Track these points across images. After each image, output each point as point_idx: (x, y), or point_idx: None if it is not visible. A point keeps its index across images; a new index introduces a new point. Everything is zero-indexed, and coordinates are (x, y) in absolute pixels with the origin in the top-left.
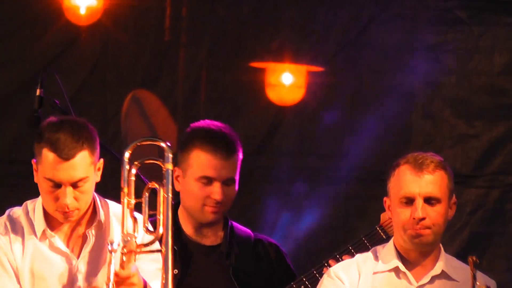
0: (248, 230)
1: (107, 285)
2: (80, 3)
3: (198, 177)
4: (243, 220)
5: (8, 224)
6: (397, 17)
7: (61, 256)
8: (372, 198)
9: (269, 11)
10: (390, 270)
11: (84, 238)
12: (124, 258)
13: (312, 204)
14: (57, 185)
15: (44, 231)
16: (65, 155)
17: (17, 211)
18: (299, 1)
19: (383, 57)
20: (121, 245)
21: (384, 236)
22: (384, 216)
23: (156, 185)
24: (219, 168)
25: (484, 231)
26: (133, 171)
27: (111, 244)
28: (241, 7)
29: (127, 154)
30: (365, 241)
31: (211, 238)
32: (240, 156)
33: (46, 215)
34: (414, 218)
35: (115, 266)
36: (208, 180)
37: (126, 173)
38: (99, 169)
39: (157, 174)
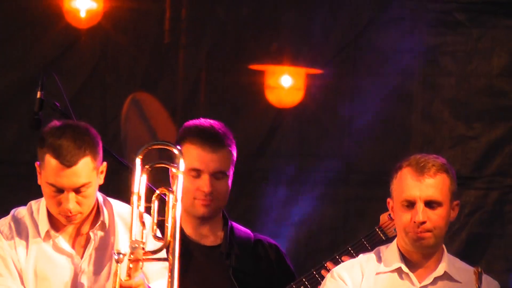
0: (248, 231)
1: None
2: (80, 6)
3: (187, 170)
4: (242, 221)
5: (12, 224)
6: (396, 19)
7: (65, 256)
8: (372, 199)
9: (269, 13)
10: (392, 271)
11: (88, 239)
12: (131, 265)
13: (311, 205)
14: (60, 190)
15: (48, 232)
16: (67, 162)
17: (21, 211)
18: (299, 3)
19: (382, 59)
20: (128, 252)
21: (383, 237)
22: (383, 217)
23: (166, 191)
24: (206, 160)
25: (483, 233)
26: (144, 176)
27: (118, 254)
28: (240, 9)
29: (138, 159)
30: (365, 242)
31: (211, 239)
32: (233, 152)
33: (50, 215)
34: (415, 222)
35: (121, 274)
36: (197, 173)
37: (137, 177)
38: (102, 172)
39: (157, 177)
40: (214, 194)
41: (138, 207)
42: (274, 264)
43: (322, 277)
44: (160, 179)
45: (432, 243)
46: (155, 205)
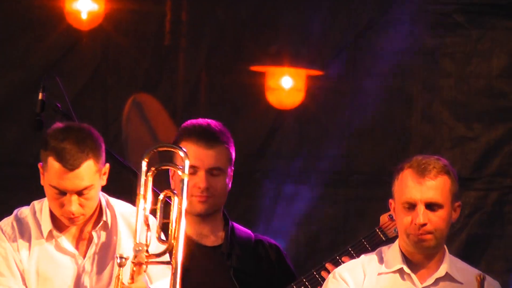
0: (249, 231)
1: None
2: (82, 8)
3: None
4: (242, 221)
5: (15, 224)
6: (396, 21)
7: (68, 256)
8: (372, 199)
9: (268, 15)
10: (394, 272)
11: (90, 239)
12: (134, 268)
13: (312, 206)
14: (63, 193)
15: (50, 232)
16: (70, 166)
17: (24, 211)
18: (298, 4)
19: (382, 60)
20: (132, 255)
21: (383, 238)
22: (383, 218)
23: (171, 194)
24: (202, 157)
25: (482, 233)
26: (150, 178)
27: (120, 258)
28: (240, 11)
29: (144, 162)
30: (365, 243)
31: (212, 239)
32: (230, 150)
33: (53, 216)
34: (415, 224)
35: (123, 277)
36: (193, 170)
37: (143, 180)
38: (104, 174)
39: (158, 177)
40: (211, 191)
41: (144, 210)
42: (275, 265)
43: (322, 278)
44: (160, 179)
45: (433, 245)
46: (160, 207)
